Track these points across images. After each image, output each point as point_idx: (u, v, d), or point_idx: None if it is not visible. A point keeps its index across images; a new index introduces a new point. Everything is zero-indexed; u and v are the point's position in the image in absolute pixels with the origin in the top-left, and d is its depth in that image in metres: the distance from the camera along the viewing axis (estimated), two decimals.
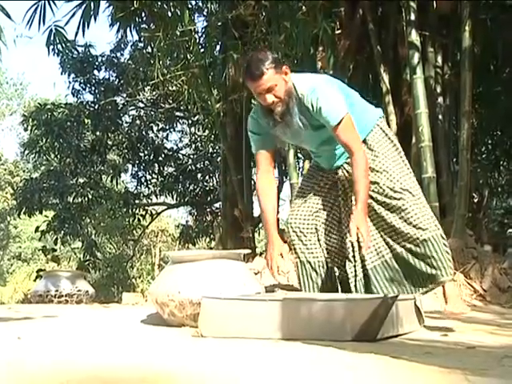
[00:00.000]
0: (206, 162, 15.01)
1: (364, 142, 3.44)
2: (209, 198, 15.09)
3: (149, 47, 10.92)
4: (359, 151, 3.28)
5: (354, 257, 3.50)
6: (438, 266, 3.36)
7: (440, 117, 6.53)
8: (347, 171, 3.48)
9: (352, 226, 3.16)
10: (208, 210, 15.29)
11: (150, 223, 16.88)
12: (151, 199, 15.87)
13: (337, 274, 3.62)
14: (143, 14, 7.40)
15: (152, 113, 14.89)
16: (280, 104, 3.31)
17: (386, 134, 3.50)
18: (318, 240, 3.63)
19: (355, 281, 3.49)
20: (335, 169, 3.57)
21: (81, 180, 14.32)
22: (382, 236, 3.47)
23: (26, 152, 15.22)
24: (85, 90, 13.82)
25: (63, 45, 7.13)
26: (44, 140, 13.47)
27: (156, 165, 14.98)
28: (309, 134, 3.43)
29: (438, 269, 3.36)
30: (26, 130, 14.63)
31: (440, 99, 6.62)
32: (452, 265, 3.41)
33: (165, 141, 15.72)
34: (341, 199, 3.56)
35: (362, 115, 3.44)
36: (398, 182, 3.39)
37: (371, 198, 3.40)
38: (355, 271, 3.50)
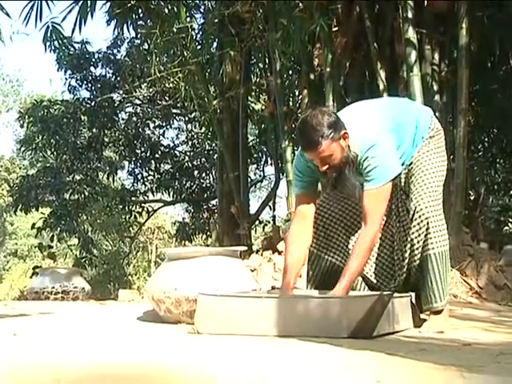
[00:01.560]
0: (203, 159, 15.00)
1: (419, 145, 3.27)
2: (205, 195, 15.08)
3: (145, 44, 10.92)
4: (374, 227, 3.08)
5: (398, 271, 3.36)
6: (431, 292, 3.19)
7: (437, 114, 6.50)
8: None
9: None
10: (204, 207, 15.28)
11: (146, 220, 16.86)
12: (148, 196, 15.85)
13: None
14: (140, 11, 7.39)
15: (149, 110, 14.87)
16: (334, 170, 3.10)
17: (436, 134, 3.34)
18: (341, 241, 3.48)
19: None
20: None
21: (77, 177, 14.30)
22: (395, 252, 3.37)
23: (23, 149, 15.20)
24: (81, 86, 13.79)
25: (60, 41, 7.12)
26: (40, 137, 13.46)
27: (152, 162, 14.96)
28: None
29: (431, 294, 3.19)
30: (22, 126, 14.62)
31: (437, 97, 6.61)
32: (446, 290, 3.21)
33: (161, 138, 15.70)
34: (393, 214, 3.38)
35: (416, 135, 3.27)
36: (432, 190, 3.20)
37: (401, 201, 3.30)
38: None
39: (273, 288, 3.99)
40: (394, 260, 3.40)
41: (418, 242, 3.21)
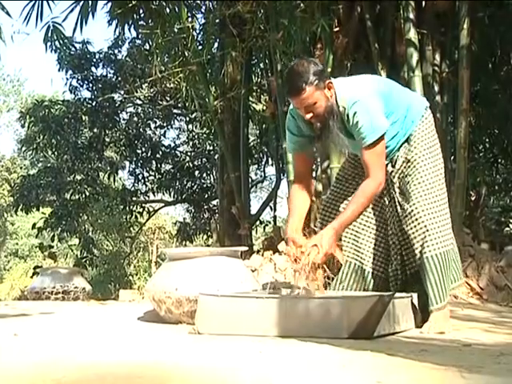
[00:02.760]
0: (204, 159, 14.99)
1: (410, 136, 3.30)
2: (206, 196, 15.07)
3: (146, 44, 10.92)
4: (376, 179, 3.13)
5: (395, 258, 3.39)
6: (429, 293, 3.20)
7: (437, 115, 6.51)
8: (391, 172, 3.33)
9: (313, 240, 3.05)
10: (205, 207, 15.27)
11: (147, 220, 16.87)
12: (148, 196, 15.85)
13: (374, 273, 3.48)
14: (141, 11, 7.39)
15: (150, 110, 14.87)
16: (319, 120, 3.16)
17: (425, 130, 3.33)
18: (357, 239, 3.49)
19: (395, 282, 3.40)
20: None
21: (78, 177, 14.29)
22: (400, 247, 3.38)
23: (24, 149, 15.22)
24: (82, 86, 13.79)
25: (61, 41, 7.12)
26: (41, 137, 13.46)
27: (153, 162, 14.95)
28: (351, 141, 3.28)
29: (430, 296, 3.20)
30: (23, 126, 14.63)
31: (438, 97, 6.60)
32: (446, 291, 3.22)
33: (162, 138, 15.70)
34: (386, 199, 3.42)
35: (408, 112, 3.30)
36: (422, 186, 3.22)
37: (396, 195, 3.31)
38: (396, 273, 3.40)
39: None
40: (390, 245, 3.44)
41: (415, 244, 3.22)
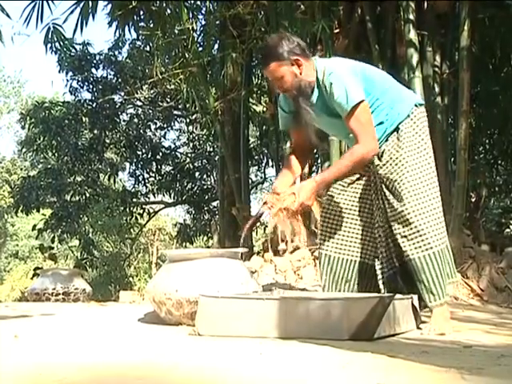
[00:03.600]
0: (204, 160, 15.00)
1: (396, 129, 3.30)
2: (206, 197, 15.08)
3: (147, 46, 10.93)
4: (365, 145, 3.14)
5: (382, 253, 3.41)
6: (427, 290, 3.22)
7: (438, 116, 6.52)
8: (379, 158, 3.31)
9: (291, 188, 3.20)
10: (205, 208, 15.28)
11: (147, 222, 16.88)
12: (149, 198, 15.86)
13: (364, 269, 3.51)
14: (141, 13, 7.39)
15: (150, 111, 14.89)
16: (289, 95, 3.30)
17: (416, 128, 3.32)
18: (346, 235, 3.51)
19: (383, 277, 3.41)
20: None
21: (78, 178, 14.31)
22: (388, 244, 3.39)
23: (24, 150, 15.24)
24: (83, 88, 13.81)
25: (61, 43, 7.12)
26: (42, 138, 13.47)
27: (154, 163, 14.96)
28: (330, 121, 3.33)
29: (427, 293, 3.22)
30: (23, 128, 14.65)
31: (438, 98, 6.60)
32: (445, 288, 3.25)
33: (162, 139, 15.72)
34: (372, 192, 3.44)
35: (395, 103, 3.30)
36: (412, 185, 3.22)
37: (383, 191, 3.31)
38: (383, 268, 3.42)
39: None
40: (376, 238, 3.46)
41: (405, 244, 3.23)
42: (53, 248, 11.71)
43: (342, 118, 3.20)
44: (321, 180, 3.21)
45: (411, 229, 3.20)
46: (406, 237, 3.22)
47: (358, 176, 3.49)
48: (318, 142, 3.55)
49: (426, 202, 3.24)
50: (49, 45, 7.12)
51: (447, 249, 3.30)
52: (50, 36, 6.90)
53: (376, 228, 3.44)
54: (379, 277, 3.42)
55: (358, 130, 3.15)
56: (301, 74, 3.23)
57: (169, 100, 13.94)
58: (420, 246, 3.20)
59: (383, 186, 3.32)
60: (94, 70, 13.81)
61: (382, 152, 3.30)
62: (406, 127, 3.30)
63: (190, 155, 15.58)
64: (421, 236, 3.20)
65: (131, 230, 16.65)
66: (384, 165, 3.30)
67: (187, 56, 7.43)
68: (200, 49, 8.31)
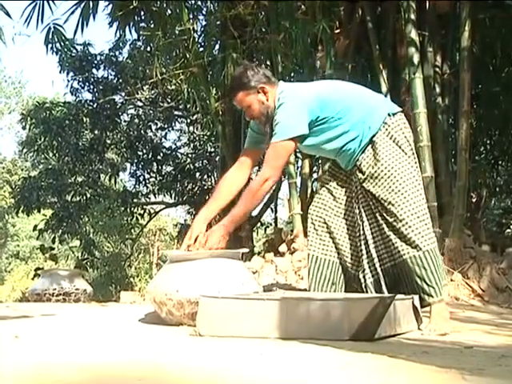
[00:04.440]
0: (205, 161, 15.01)
1: (371, 142, 3.33)
2: (207, 197, 14.99)
3: (148, 46, 10.92)
4: (262, 176, 3.28)
5: (367, 258, 3.41)
6: (424, 288, 3.23)
7: (439, 117, 6.53)
8: (360, 171, 3.36)
9: (203, 234, 3.32)
10: None
11: (148, 222, 16.89)
12: (149, 198, 15.86)
13: (349, 274, 3.53)
14: (142, 13, 7.39)
15: (151, 112, 14.90)
16: (259, 121, 3.38)
17: (391, 137, 3.33)
18: (333, 239, 3.54)
19: (365, 282, 3.42)
20: (349, 170, 3.46)
21: (79, 179, 14.32)
22: (376, 247, 3.40)
23: (25, 150, 15.26)
24: (83, 88, 13.83)
25: (62, 43, 7.11)
26: (42, 138, 13.48)
27: (154, 164, 14.97)
28: (308, 146, 3.43)
29: (425, 290, 3.24)
30: (24, 128, 14.64)
31: (439, 99, 6.61)
32: (441, 285, 3.26)
33: (163, 140, 15.73)
34: (353, 201, 3.47)
35: (365, 117, 3.32)
36: (396, 192, 3.24)
37: (370, 205, 3.34)
38: (366, 273, 3.42)
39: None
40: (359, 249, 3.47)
41: (397, 245, 3.25)
42: (53, 248, 11.69)
43: (321, 141, 3.36)
44: (229, 223, 3.32)
45: (401, 232, 3.22)
46: (398, 240, 3.24)
47: (344, 179, 3.53)
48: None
49: (412, 206, 3.25)
50: (49, 45, 7.12)
51: (437, 250, 3.31)
52: (50, 36, 6.90)
53: (357, 237, 3.47)
54: (362, 283, 3.43)
55: (267, 160, 3.30)
56: (267, 100, 3.32)
57: (169, 100, 13.95)
58: (411, 246, 3.22)
59: (369, 196, 3.35)
60: (94, 71, 13.84)
61: (360, 165, 3.36)
62: (380, 139, 3.33)
63: (190, 156, 15.59)
64: (411, 237, 3.21)
65: (132, 231, 16.67)
66: (365, 179, 3.35)
67: (188, 56, 7.44)
68: (201, 49, 8.32)
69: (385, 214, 3.27)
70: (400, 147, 3.33)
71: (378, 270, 3.37)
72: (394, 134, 3.35)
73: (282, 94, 3.31)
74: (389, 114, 3.38)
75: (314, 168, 8.14)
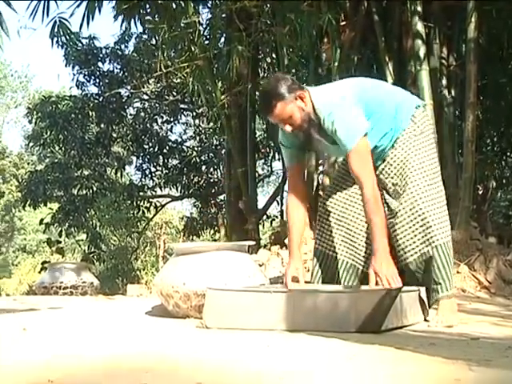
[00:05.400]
0: (211, 154, 15.00)
1: (397, 139, 3.32)
2: (213, 190, 15.08)
3: (153, 39, 10.92)
4: (369, 186, 3.12)
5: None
6: (435, 283, 3.25)
7: (445, 109, 6.51)
8: (382, 170, 3.37)
9: (372, 271, 3.02)
10: (212, 202, 15.28)
11: (154, 215, 16.90)
12: (155, 191, 15.87)
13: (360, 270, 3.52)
14: (147, 6, 7.38)
15: (156, 105, 14.88)
16: (300, 130, 3.24)
17: (418, 129, 3.34)
18: (343, 235, 3.53)
19: None
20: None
21: (85, 172, 14.33)
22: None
23: (31, 144, 15.27)
24: (89, 82, 13.82)
25: (67, 37, 7.11)
26: (48, 132, 13.49)
27: (160, 157, 14.96)
28: (336, 147, 3.30)
29: (435, 285, 3.25)
30: (30, 122, 14.66)
31: (445, 91, 6.59)
32: (451, 280, 3.28)
33: (169, 133, 15.71)
34: None
35: (397, 112, 3.32)
36: (419, 184, 3.26)
37: (388, 197, 3.35)
38: None
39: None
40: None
41: (416, 236, 3.26)
42: (60, 242, 11.74)
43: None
44: (381, 241, 3.07)
45: (422, 220, 3.23)
46: (417, 229, 3.25)
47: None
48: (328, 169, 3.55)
49: (433, 196, 3.27)
50: (55, 39, 7.12)
51: (450, 243, 3.32)
52: (56, 30, 6.88)
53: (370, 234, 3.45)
54: None
55: (359, 171, 3.16)
56: (306, 106, 3.22)
57: (175, 94, 13.94)
58: (428, 239, 3.23)
59: (390, 188, 3.35)
60: (100, 64, 13.82)
61: (388, 158, 3.35)
62: (410, 130, 3.34)
63: (196, 149, 15.58)
64: (428, 229, 3.23)
65: (138, 224, 16.69)
66: (391, 165, 3.34)
67: (193, 49, 7.42)
68: (206, 42, 8.30)
69: (404, 206, 3.27)
70: (427, 140, 3.37)
71: None
72: (420, 125, 3.37)
73: (324, 101, 3.23)
74: (416, 107, 3.41)
75: (320, 161, 8.12)
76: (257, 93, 3.47)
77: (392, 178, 3.35)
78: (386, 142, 3.33)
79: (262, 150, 13.23)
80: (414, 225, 3.25)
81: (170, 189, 15.80)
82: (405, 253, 3.31)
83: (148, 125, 14.71)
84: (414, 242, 3.27)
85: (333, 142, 3.25)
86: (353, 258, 3.51)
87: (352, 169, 3.19)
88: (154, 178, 15.27)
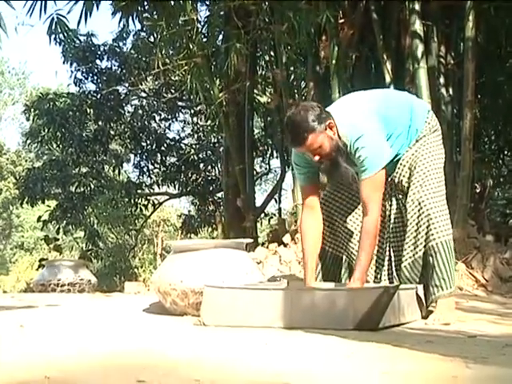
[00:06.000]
0: (209, 151, 14.98)
1: (416, 141, 3.36)
2: (211, 188, 15.07)
3: (151, 36, 10.90)
4: (374, 214, 3.15)
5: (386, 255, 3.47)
6: (438, 280, 3.26)
7: (443, 107, 6.51)
8: (396, 174, 3.40)
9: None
10: (210, 199, 15.27)
11: (152, 213, 16.88)
12: (153, 189, 15.85)
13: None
14: (145, 3, 7.37)
15: (154, 102, 14.86)
16: (327, 158, 3.19)
17: (431, 135, 3.41)
18: (345, 233, 3.56)
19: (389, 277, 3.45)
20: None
21: (83, 170, 14.31)
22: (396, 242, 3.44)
23: (29, 142, 15.22)
24: (87, 79, 13.79)
25: (65, 34, 7.09)
26: (46, 130, 13.46)
27: (158, 155, 14.95)
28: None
29: (436, 283, 3.26)
30: (28, 119, 14.62)
31: (443, 89, 6.59)
32: (452, 278, 3.29)
33: (167, 131, 15.69)
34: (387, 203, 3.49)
35: (412, 121, 3.36)
36: (431, 181, 3.31)
37: (398, 193, 3.40)
38: (384, 270, 3.46)
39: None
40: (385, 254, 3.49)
41: (420, 233, 3.28)
42: (58, 239, 11.72)
43: None
44: (362, 275, 3.12)
45: (426, 217, 3.25)
46: (420, 226, 3.27)
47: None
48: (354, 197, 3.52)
49: (437, 194, 3.31)
50: (53, 36, 7.12)
51: (451, 242, 3.33)
52: (53, 27, 6.87)
53: (391, 246, 3.49)
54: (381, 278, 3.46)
55: (369, 199, 3.17)
56: (334, 134, 3.18)
57: (173, 91, 13.91)
58: (436, 233, 3.25)
59: (399, 191, 3.40)
60: (98, 61, 13.79)
61: (401, 162, 3.39)
62: (423, 138, 3.39)
63: (194, 146, 15.56)
64: (431, 226, 3.25)
65: (136, 222, 16.67)
66: (404, 166, 3.38)
67: (191, 47, 7.41)
68: (204, 40, 8.29)
69: (411, 204, 3.30)
70: (437, 140, 3.44)
71: (393, 269, 3.42)
72: (431, 128, 3.44)
73: (349, 127, 3.20)
74: (427, 112, 3.47)
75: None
76: (285, 122, 3.33)
77: (404, 176, 3.38)
78: (402, 151, 3.37)
79: (260, 148, 13.23)
80: (419, 221, 3.27)
81: (168, 186, 15.79)
82: (413, 249, 3.32)
83: (146, 122, 14.69)
84: (419, 240, 3.29)
85: (353, 162, 3.24)
86: (352, 257, 3.53)
87: (362, 195, 3.20)
88: (152, 176, 15.25)
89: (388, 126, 3.27)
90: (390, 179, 3.40)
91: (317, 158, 3.17)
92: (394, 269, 3.44)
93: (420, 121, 3.39)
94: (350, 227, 3.55)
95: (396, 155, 3.34)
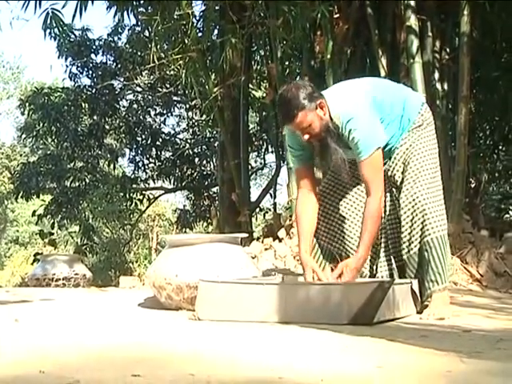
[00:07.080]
0: (204, 146, 14.98)
1: (408, 132, 3.37)
2: (206, 183, 15.07)
3: (146, 31, 10.87)
4: (376, 195, 3.17)
5: (384, 250, 3.48)
6: (432, 274, 3.26)
7: (438, 102, 6.51)
8: (389, 167, 3.40)
9: (344, 264, 3.12)
10: (205, 194, 15.27)
11: (147, 208, 16.87)
12: (148, 184, 15.84)
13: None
14: None
15: (149, 97, 14.84)
16: (317, 139, 3.21)
17: (425, 126, 3.41)
18: (341, 229, 3.55)
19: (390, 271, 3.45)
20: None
21: (78, 164, 14.30)
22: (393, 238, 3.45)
23: (23, 136, 15.22)
24: (82, 73, 13.75)
25: (60, 28, 7.06)
26: (41, 124, 13.44)
27: (153, 149, 14.93)
28: (351, 153, 3.28)
29: (431, 278, 3.27)
30: (23, 113, 14.59)
31: (438, 84, 6.59)
32: (446, 273, 3.30)
33: (162, 125, 15.67)
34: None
35: (405, 111, 3.36)
36: (425, 177, 3.30)
37: (393, 187, 3.41)
38: (381, 265, 3.46)
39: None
40: (381, 247, 3.49)
41: (415, 229, 3.28)
42: (53, 234, 11.67)
43: None
44: (365, 252, 3.16)
45: (421, 212, 3.26)
46: (415, 222, 3.27)
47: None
48: (348, 179, 3.50)
49: (433, 189, 3.32)
50: (48, 30, 7.08)
51: (446, 236, 3.34)
52: (48, 21, 6.84)
53: (388, 239, 3.50)
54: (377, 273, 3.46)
55: (371, 180, 3.18)
56: (325, 114, 3.19)
57: (168, 86, 13.89)
58: (431, 228, 3.25)
59: (394, 182, 3.40)
60: (93, 56, 13.75)
61: (395, 154, 3.40)
62: (416, 126, 3.40)
63: (189, 141, 15.55)
64: (426, 221, 3.26)
65: (131, 216, 16.65)
66: (398, 160, 3.39)
67: (187, 41, 7.40)
68: (199, 34, 8.27)
69: (404, 199, 3.31)
70: (431, 135, 3.45)
71: (393, 264, 3.44)
72: (426, 121, 3.44)
73: (341, 108, 3.21)
74: (421, 104, 3.47)
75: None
76: (277, 99, 3.34)
77: (397, 171, 3.39)
78: (394, 141, 3.36)
79: (255, 143, 13.23)
80: (414, 217, 3.27)
81: (163, 181, 15.78)
82: (408, 245, 3.33)
83: (141, 117, 14.68)
84: (414, 236, 3.29)
85: (347, 145, 3.25)
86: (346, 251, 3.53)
87: (363, 176, 3.22)
88: (147, 171, 15.25)
89: (381, 111, 3.28)
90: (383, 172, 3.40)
91: (306, 136, 3.19)
92: (393, 262, 3.44)
93: (413, 111, 3.39)
94: (345, 222, 3.55)
95: (387, 144, 3.33)
